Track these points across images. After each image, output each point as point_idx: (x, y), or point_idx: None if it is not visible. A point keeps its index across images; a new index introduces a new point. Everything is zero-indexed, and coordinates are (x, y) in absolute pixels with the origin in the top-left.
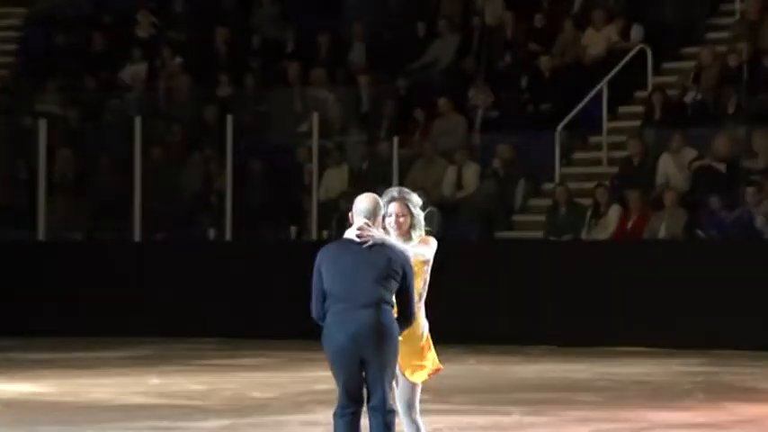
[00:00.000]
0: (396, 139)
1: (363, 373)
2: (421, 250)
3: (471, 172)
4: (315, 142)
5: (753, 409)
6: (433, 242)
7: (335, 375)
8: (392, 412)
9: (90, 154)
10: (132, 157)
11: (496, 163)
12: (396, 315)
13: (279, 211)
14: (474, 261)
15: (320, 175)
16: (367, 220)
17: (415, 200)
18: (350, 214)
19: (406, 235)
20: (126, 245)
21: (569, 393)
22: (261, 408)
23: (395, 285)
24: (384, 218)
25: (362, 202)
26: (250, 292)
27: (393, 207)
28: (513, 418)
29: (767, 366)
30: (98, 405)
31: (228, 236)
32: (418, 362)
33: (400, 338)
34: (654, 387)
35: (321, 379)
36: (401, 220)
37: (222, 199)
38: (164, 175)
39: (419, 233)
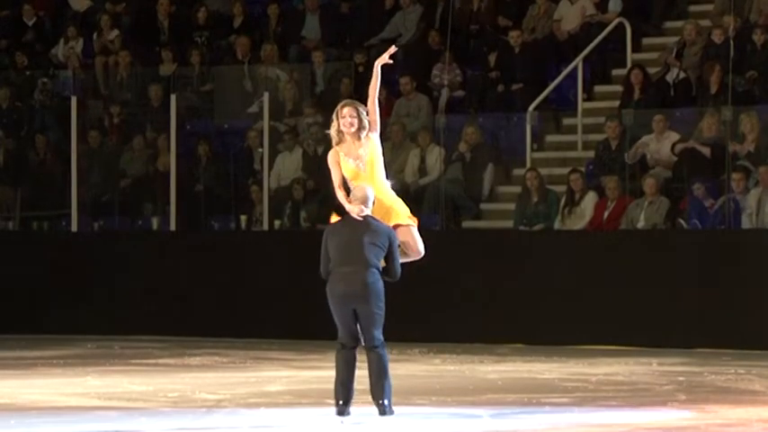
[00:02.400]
0: None
1: (357, 321)
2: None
3: (435, 156)
4: (266, 124)
5: (736, 411)
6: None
7: (336, 319)
8: (383, 346)
9: (22, 137)
10: (68, 141)
11: (463, 147)
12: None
13: (227, 199)
14: (438, 252)
15: (272, 160)
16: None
17: (363, 109)
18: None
19: (355, 136)
20: (62, 235)
21: (539, 395)
22: (209, 410)
23: (382, 253)
24: (339, 120)
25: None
26: (196, 287)
27: (346, 110)
28: (481, 420)
29: (752, 366)
30: (32, 407)
31: (173, 225)
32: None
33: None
34: (631, 388)
35: (273, 380)
36: (352, 120)
37: (166, 186)
38: (102, 160)
39: (365, 134)
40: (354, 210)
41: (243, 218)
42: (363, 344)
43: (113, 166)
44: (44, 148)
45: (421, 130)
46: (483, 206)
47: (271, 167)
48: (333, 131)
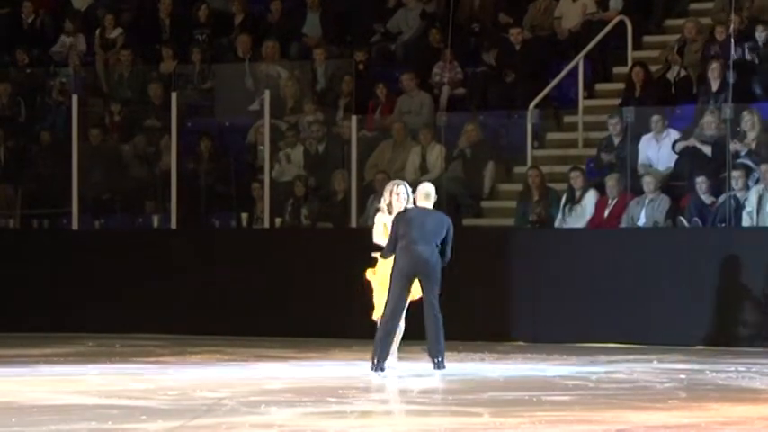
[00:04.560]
0: (354, 119)
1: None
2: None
3: (436, 154)
4: (267, 122)
5: (738, 410)
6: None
7: (391, 292)
8: (439, 313)
9: (23, 135)
10: (69, 139)
11: (463, 144)
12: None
13: (228, 197)
14: None
15: (273, 158)
16: (426, 201)
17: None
18: (414, 196)
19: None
20: (63, 233)
21: (541, 393)
22: (210, 408)
23: (441, 236)
24: (391, 196)
25: (426, 187)
26: (197, 285)
27: (401, 188)
28: (482, 419)
29: (753, 364)
30: (32, 405)
31: (174, 223)
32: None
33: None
34: (632, 386)
35: (274, 378)
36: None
37: (167, 183)
38: (103, 157)
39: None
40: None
41: (244, 215)
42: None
43: (114, 164)
44: (45, 147)
45: (423, 127)
46: (484, 204)
47: (272, 165)
48: (384, 204)
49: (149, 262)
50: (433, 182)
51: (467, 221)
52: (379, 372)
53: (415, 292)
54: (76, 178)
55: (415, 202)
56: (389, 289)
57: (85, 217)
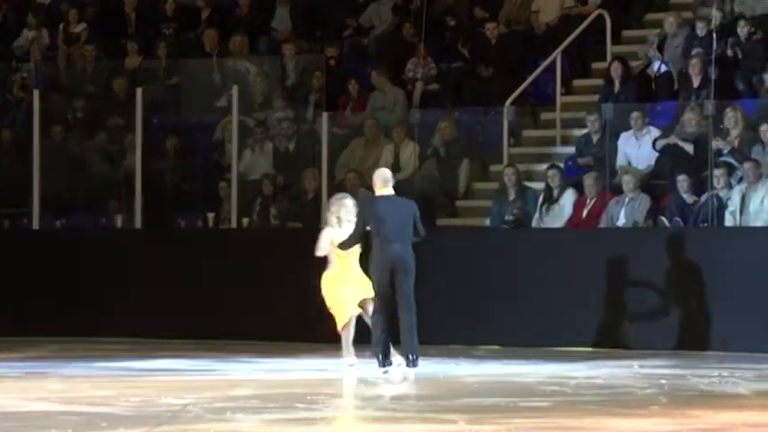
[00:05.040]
0: (326, 116)
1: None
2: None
3: (410, 152)
4: (235, 119)
5: (721, 416)
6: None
7: (377, 287)
8: (413, 303)
9: None
10: (30, 136)
11: (438, 142)
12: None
13: (195, 196)
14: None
15: (241, 156)
16: (386, 187)
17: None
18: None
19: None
20: (23, 233)
21: (517, 399)
22: (174, 415)
23: (411, 224)
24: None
25: (384, 173)
26: (161, 287)
27: (349, 201)
28: (457, 426)
29: (736, 369)
30: None
31: (138, 223)
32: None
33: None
34: (612, 391)
35: (240, 384)
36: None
37: (131, 182)
38: (66, 155)
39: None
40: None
41: (210, 215)
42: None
43: (77, 162)
44: (5, 144)
45: (396, 125)
46: (459, 203)
47: (239, 163)
48: (333, 218)
49: (113, 263)
50: (406, 181)
51: (441, 221)
52: (387, 368)
53: (365, 293)
54: (38, 176)
55: (373, 191)
56: (374, 286)
57: (47, 217)
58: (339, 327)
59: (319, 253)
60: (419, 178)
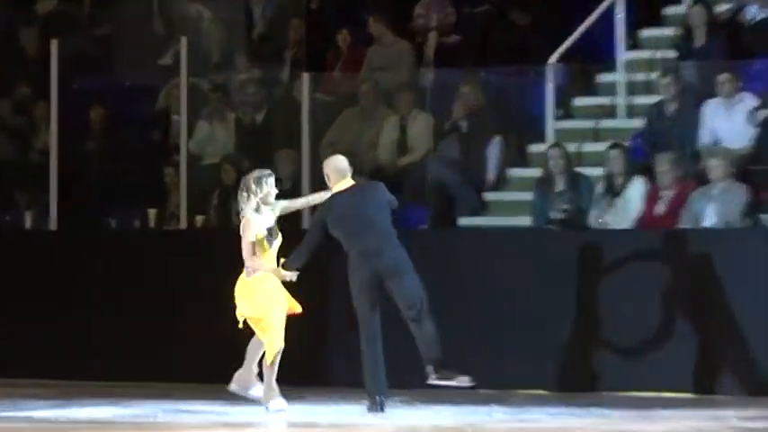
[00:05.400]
0: (306, 78)
1: None
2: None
3: (421, 126)
4: (184, 81)
5: None
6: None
7: (360, 313)
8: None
9: None
10: None
11: (458, 113)
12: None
13: (131, 186)
14: (427, 260)
15: (192, 132)
16: (345, 179)
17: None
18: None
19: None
20: None
21: None
22: None
23: (389, 213)
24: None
25: (337, 161)
26: (84, 305)
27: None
28: None
29: None
30: None
31: (53, 222)
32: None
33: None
34: None
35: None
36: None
37: (44, 168)
38: None
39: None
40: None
41: (152, 212)
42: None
43: None
44: None
45: (401, 89)
46: (488, 196)
47: (190, 141)
48: (256, 199)
49: (20, 272)
50: (417, 165)
51: (464, 220)
52: (380, 412)
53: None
54: None
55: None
56: (357, 309)
57: None
58: (269, 359)
59: (250, 261)
60: (434, 162)
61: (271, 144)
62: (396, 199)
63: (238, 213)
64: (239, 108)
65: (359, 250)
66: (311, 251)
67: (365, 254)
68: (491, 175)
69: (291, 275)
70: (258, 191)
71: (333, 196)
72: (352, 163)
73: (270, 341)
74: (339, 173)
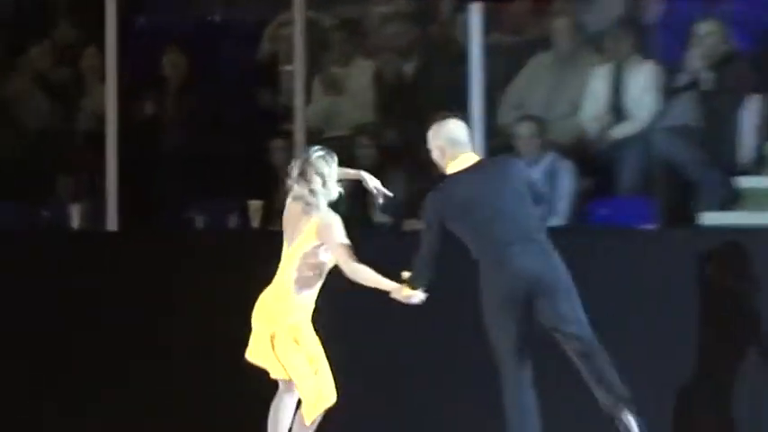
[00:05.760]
0: (477, 10)
1: None
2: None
3: (644, 81)
4: (301, 16)
5: None
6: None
7: (500, 348)
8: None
9: None
10: None
11: (697, 62)
12: None
13: (224, 169)
14: (657, 270)
15: (311, 92)
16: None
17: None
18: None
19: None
20: None
21: None
22: None
23: (529, 200)
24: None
25: (452, 128)
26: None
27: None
28: None
29: None
30: None
31: (113, 221)
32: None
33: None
34: None
35: None
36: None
37: (98, 139)
38: None
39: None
40: None
41: (254, 205)
42: None
43: None
44: None
45: (614, 29)
46: (742, 182)
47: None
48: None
49: (65, 291)
50: (637, 137)
51: (709, 216)
52: None
53: None
54: None
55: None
56: (493, 343)
57: None
58: (308, 420)
59: (365, 277)
60: (662, 133)
61: (424, 106)
62: (539, 181)
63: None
64: (379, 55)
65: (491, 259)
66: (434, 260)
67: (502, 259)
68: (746, 152)
69: (419, 296)
70: (328, 174)
71: (446, 180)
72: (542, 133)
73: (313, 401)
74: (456, 145)
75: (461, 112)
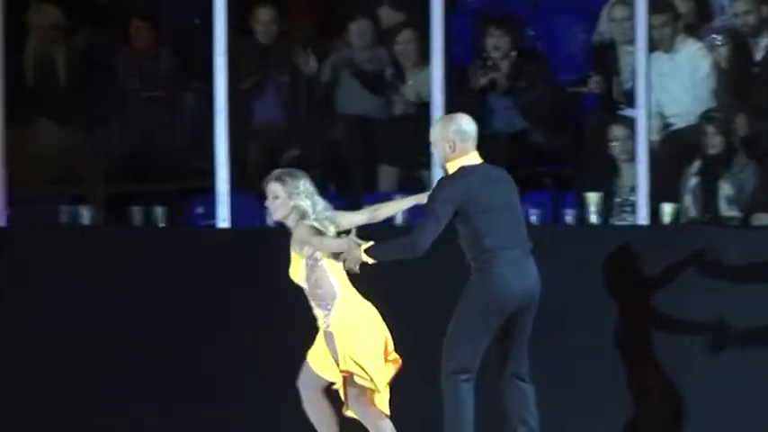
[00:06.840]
0: None
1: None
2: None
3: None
4: None
5: None
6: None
7: (470, 339)
8: None
9: None
10: None
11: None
12: None
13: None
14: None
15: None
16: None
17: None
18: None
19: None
20: None
21: None
22: None
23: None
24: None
25: (463, 121)
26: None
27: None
28: None
29: None
30: None
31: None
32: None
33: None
34: None
35: None
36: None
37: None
38: None
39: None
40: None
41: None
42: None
43: None
44: None
45: None
46: None
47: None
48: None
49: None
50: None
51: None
52: None
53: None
54: None
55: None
56: (458, 335)
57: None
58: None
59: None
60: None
61: None
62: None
63: None
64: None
65: (490, 249)
66: (437, 234)
67: (513, 258)
68: None
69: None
70: (312, 199)
71: (465, 169)
72: None
73: (378, 397)
74: (466, 140)
75: None
